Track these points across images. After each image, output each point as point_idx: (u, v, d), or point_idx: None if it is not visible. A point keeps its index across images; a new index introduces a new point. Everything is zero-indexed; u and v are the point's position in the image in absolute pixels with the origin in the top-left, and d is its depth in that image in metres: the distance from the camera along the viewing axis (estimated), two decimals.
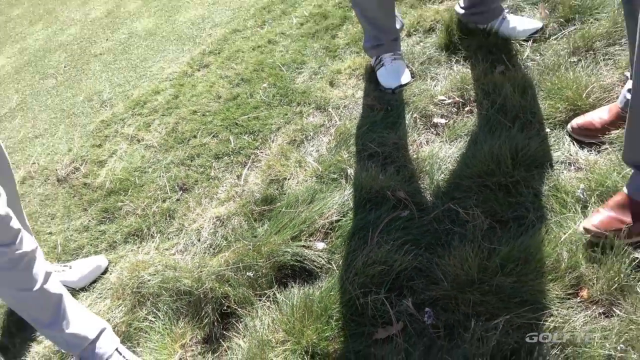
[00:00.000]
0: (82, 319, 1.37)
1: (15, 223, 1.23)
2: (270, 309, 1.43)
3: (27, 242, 1.27)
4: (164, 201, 1.92)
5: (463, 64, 1.96)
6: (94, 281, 1.73)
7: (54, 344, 1.50)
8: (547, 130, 1.62)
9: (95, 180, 2.15)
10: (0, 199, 1.21)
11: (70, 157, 2.33)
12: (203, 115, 2.26)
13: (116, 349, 1.39)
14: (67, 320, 1.33)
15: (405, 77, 1.97)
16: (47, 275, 1.30)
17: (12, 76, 3.21)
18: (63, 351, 1.49)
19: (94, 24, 3.54)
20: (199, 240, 1.71)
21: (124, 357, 1.39)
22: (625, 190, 1.30)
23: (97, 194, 2.07)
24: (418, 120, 1.83)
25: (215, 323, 1.46)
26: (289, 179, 1.79)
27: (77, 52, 3.26)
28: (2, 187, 1.27)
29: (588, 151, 1.53)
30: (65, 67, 3.15)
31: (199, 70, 2.60)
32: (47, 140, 2.51)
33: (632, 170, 1.30)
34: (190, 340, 1.45)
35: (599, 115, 1.54)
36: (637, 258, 1.24)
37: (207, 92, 2.39)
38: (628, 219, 1.25)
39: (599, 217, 1.28)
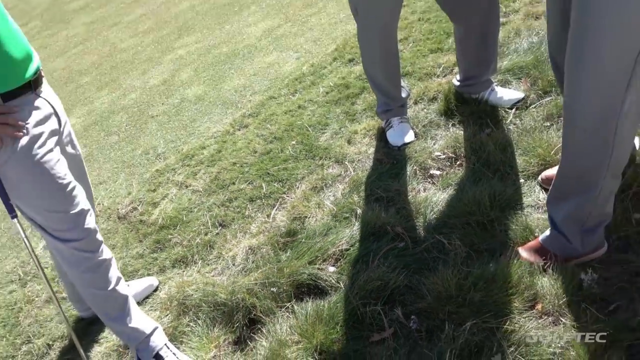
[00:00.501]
0: (141, 317, 1.75)
1: (99, 236, 1.64)
2: (289, 317, 1.77)
3: (106, 252, 1.67)
4: (205, 234, 2.32)
5: (457, 127, 2.34)
6: (147, 297, 2.11)
7: (117, 338, 1.86)
8: (522, 180, 1.97)
9: (149, 217, 2.57)
10: (91, 217, 1.63)
11: (129, 199, 2.78)
12: (241, 166, 2.70)
13: (165, 344, 1.75)
14: (130, 316, 1.70)
15: (409, 137, 2.36)
16: (118, 279, 1.69)
17: (81, 133, 3.77)
18: (122, 342, 1.85)
19: (151, 91, 4.11)
20: (233, 264, 2.09)
21: (171, 351, 1.74)
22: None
23: (150, 228, 2.49)
24: (418, 171, 2.20)
25: (244, 328, 1.80)
26: (309, 217, 2.17)
27: (136, 114, 3.81)
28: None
29: None
30: (126, 126, 3.69)
31: (239, 130, 3.06)
32: (110, 186, 2.98)
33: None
34: (223, 342, 1.79)
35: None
36: (582, 279, 1.54)
37: (245, 147, 2.83)
38: (535, 258, 1.62)
39: (522, 252, 1.64)
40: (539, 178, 1.93)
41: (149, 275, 2.22)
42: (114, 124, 3.78)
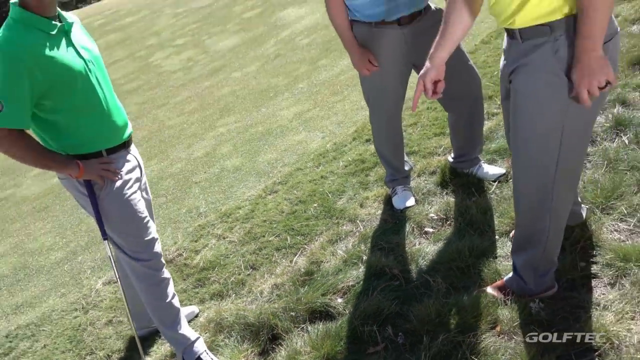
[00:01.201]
0: (187, 327, 2.22)
1: (162, 259, 2.17)
2: (303, 335, 2.21)
3: (166, 273, 2.18)
4: (239, 275, 2.82)
5: (450, 195, 2.85)
6: (189, 321, 2.58)
7: (167, 342, 2.33)
8: (497, 237, 2.44)
9: (192, 261, 3.09)
10: (158, 245, 2.16)
11: (175, 247, 3.31)
12: (270, 223, 3.23)
13: (205, 351, 2.21)
14: (180, 325, 2.18)
15: (410, 202, 2.87)
16: (174, 295, 2.19)
17: None
18: (171, 347, 2.31)
19: (195, 162, 4.76)
20: (261, 296, 2.56)
21: (209, 356, 2.20)
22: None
23: (193, 270, 3.00)
24: (415, 229, 2.69)
25: (267, 342, 2.25)
26: (324, 262, 2.65)
27: (182, 180, 4.44)
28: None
29: None
30: (172, 189, 4.30)
31: (270, 194, 3.62)
32: (159, 237, 3.53)
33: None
34: (250, 354, 2.24)
35: None
36: (531, 307, 1.98)
37: (274, 208, 3.38)
38: (499, 294, 2.08)
39: (490, 289, 2.09)
40: (511, 234, 2.40)
41: (190, 304, 2.70)
42: (162, 188, 4.40)
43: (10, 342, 2.92)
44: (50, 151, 1.98)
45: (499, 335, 1.94)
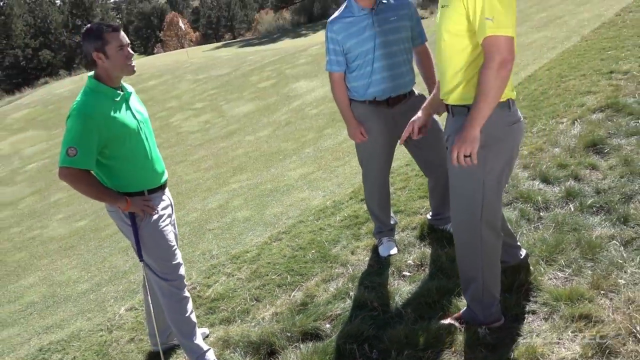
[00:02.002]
0: (201, 339, 2.71)
1: (185, 280, 2.69)
2: (296, 351, 2.69)
3: (187, 292, 2.70)
4: (244, 305, 3.31)
5: (426, 246, 3.38)
6: None
7: (183, 350, 2.80)
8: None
9: (204, 294, 3.59)
10: (182, 268, 2.69)
11: (190, 282, 3.82)
12: (274, 265, 3.74)
13: (215, 359, 2.68)
14: (196, 336, 2.67)
15: (393, 251, 3.40)
16: (192, 310, 2.70)
17: None
18: (186, 355, 2.78)
19: (209, 212, 5.33)
20: (263, 321, 3.05)
21: None
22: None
23: (205, 300, 3.49)
24: (395, 272, 3.21)
25: (266, 357, 2.72)
26: (317, 296, 3.15)
27: (197, 227, 4.99)
28: None
29: None
30: (188, 235, 4.85)
31: (274, 242, 4.16)
32: None
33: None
34: None
35: None
36: (479, 333, 2.47)
37: (278, 253, 3.91)
38: (456, 323, 2.56)
39: (450, 320, 2.59)
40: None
41: (203, 327, 3.18)
42: (179, 233, 4.94)
43: (43, 354, 3.38)
44: (106, 187, 2.57)
45: (453, 354, 2.42)
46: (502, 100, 2.19)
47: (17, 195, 8.70)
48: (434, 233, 3.49)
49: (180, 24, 43.64)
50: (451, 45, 2.23)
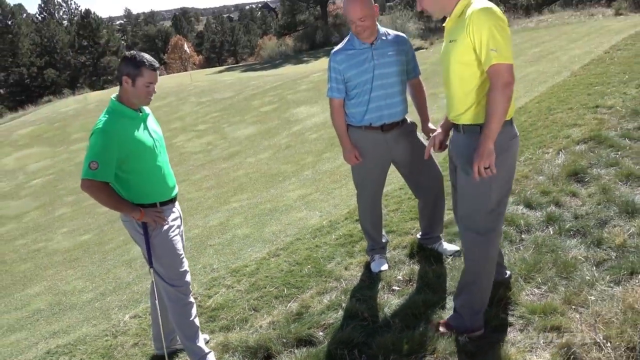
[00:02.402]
0: (203, 342, 2.91)
1: (191, 287, 2.91)
2: (291, 356, 2.90)
3: (192, 298, 2.92)
4: (243, 314, 3.52)
5: (415, 264, 3.61)
6: None
7: (186, 352, 2.99)
8: (445, 294, 3.17)
9: (205, 304, 3.79)
10: (188, 275, 2.91)
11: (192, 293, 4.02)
12: (271, 278, 3.96)
13: None
14: (198, 338, 2.88)
15: (384, 267, 3.63)
16: (195, 314, 2.91)
17: None
18: (189, 357, 2.97)
19: (211, 229, 5.56)
20: (260, 329, 3.26)
21: None
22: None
23: (206, 309, 3.70)
24: (385, 287, 3.43)
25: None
26: (312, 307, 3.37)
27: (198, 243, 5.21)
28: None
29: None
30: (190, 250, 5.06)
31: (272, 257, 4.38)
32: None
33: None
34: None
35: None
36: (459, 341, 2.69)
37: (276, 267, 4.13)
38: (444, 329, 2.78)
39: (441, 327, 2.80)
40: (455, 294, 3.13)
41: (204, 333, 3.38)
42: None
43: (51, 356, 3.57)
44: (122, 199, 2.81)
45: (435, 358, 2.64)
46: (505, 118, 2.53)
47: (22, 209, 8.92)
48: (422, 252, 3.73)
49: (185, 47, 44.38)
50: (461, 73, 2.57)
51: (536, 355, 2.51)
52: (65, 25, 60.72)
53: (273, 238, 4.84)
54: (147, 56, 2.79)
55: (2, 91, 52.01)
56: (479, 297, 2.74)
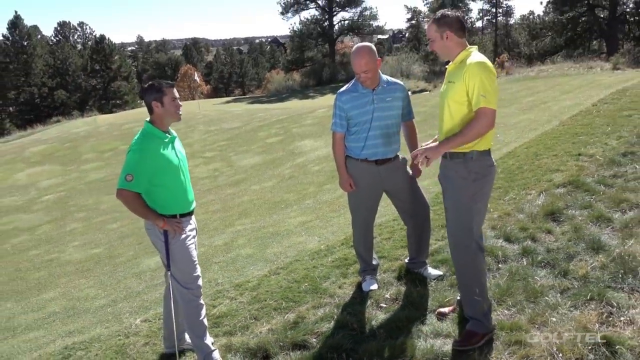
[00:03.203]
0: (210, 340, 3.30)
1: (201, 290, 3.31)
2: (287, 357, 3.28)
3: (202, 299, 3.32)
4: (244, 322, 3.90)
5: (402, 285, 4.01)
6: None
7: (193, 349, 3.37)
8: (426, 312, 3.57)
9: (210, 312, 4.17)
10: (200, 279, 3.32)
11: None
12: (271, 293, 4.35)
13: (219, 358, 3.26)
14: (206, 336, 3.26)
15: (374, 287, 4.03)
16: (205, 315, 3.30)
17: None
18: (197, 356, 3.35)
19: (216, 248, 5.96)
20: (260, 334, 3.64)
21: None
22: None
23: (210, 317, 4.07)
24: (374, 304, 3.82)
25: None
26: (307, 318, 3.76)
27: (204, 260, 5.59)
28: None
29: (443, 321, 3.45)
30: None
31: (273, 275, 4.77)
32: None
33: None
34: None
35: (448, 308, 3.51)
36: (433, 346, 3.08)
37: (276, 284, 4.52)
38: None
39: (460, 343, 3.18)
40: (436, 312, 3.53)
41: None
42: None
43: (68, 352, 3.93)
44: (149, 208, 3.25)
45: None
46: (485, 149, 3.10)
47: (34, 222, 9.32)
48: (409, 275, 4.13)
49: (195, 76, 45.55)
50: (453, 109, 3.10)
51: None
52: (79, 48, 62.31)
53: (274, 258, 5.24)
54: (162, 80, 3.32)
55: (11, 109, 52.99)
56: (481, 299, 3.13)
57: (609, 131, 7.10)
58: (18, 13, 53.26)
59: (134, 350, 3.77)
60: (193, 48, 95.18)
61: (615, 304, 3.23)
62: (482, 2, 57.58)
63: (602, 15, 42.16)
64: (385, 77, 3.85)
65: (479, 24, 61.73)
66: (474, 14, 59.66)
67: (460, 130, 3.04)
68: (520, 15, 56.22)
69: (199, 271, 3.36)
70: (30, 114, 51.22)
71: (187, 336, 3.59)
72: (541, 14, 46.80)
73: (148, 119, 3.35)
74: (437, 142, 3.17)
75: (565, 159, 6.33)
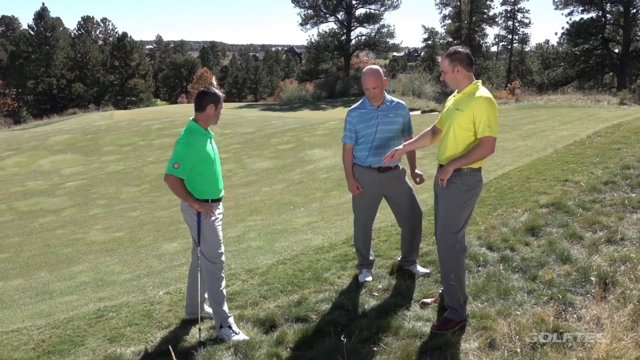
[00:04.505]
0: (227, 307, 3.91)
1: (224, 264, 3.93)
2: (291, 326, 3.88)
3: (224, 272, 3.94)
4: (254, 299, 4.50)
5: (393, 279, 4.61)
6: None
7: (211, 317, 3.98)
8: (412, 301, 4.17)
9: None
10: (224, 255, 3.94)
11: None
12: (278, 278, 4.95)
13: (234, 323, 3.87)
14: (224, 304, 3.88)
15: (369, 278, 4.63)
16: (224, 286, 3.92)
17: (184, 252, 6.14)
18: (215, 320, 3.96)
19: (228, 239, 6.56)
20: (268, 309, 4.25)
21: (237, 328, 3.86)
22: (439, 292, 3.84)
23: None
24: (367, 292, 4.42)
25: (269, 328, 3.92)
26: (309, 299, 4.35)
27: None
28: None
29: (425, 309, 4.04)
30: None
31: (280, 264, 5.37)
32: None
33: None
34: (258, 332, 3.90)
35: (431, 299, 4.11)
36: (415, 327, 3.68)
37: (282, 272, 5.12)
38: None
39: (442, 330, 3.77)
40: (420, 302, 4.13)
41: None
42: None
43: (101, 312, 4.55)
44: (189, 192, 3.88)
45: (395, 337, 3.62)
46: (477, 167, 3.74)
47: (59, 205, 9.97)
48: (400, 271, 4.74)
49: (213, 80, 46.49)
50: (458, 133, 3.69)
51: (468, 343, 3.50)
52: (99, 44, 63.58)
53: (281, 251, 5.86)
54: (220, 91, 3.97)
55: (30, 98, 54.11)
56: (458, 292, 3.73)
57: (597, 162, 7.69)
58: (45, 5, 54.62)
59: (158, 314, 4.39)
60: (210, 51, 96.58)
61: (570, 303, 3.83)
62: (499, 28, 58.32)
63: (616, 51, 42.86)
64: (389, 97, 4.49)
65: (494, 48, 62.62)
66: (489, 39, 60.46)
67: (465, 153, 3.65)
68: (536, 44, 56.89)
69: (223, 249, 3.98)
70: (46, 104, 52.31)
71: (205, 306, 4.21)
72: (555, 44, 47.50)
73: (192, 117, 3.99)
74: (408, 145, 4.00)
75: (552, 183, 6.93)
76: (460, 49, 3.76)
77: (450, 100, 3.87)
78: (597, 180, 6.75)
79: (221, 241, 3.98)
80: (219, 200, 4.05)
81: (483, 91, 3.67)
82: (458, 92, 3.80)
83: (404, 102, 4.59)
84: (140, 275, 5.55)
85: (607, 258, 4.47)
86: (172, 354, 2.95)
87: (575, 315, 3.69)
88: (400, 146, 4.05)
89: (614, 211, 5.62)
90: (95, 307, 4.69)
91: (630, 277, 4.05)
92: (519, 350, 3.29)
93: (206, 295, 4.11)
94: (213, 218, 3.94)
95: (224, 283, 3.98)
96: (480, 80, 3.79)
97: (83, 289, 5.33)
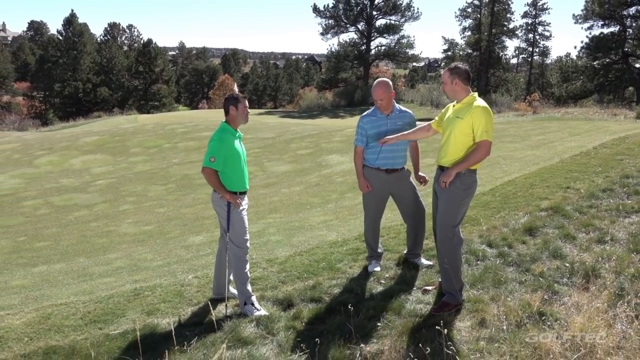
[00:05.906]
0: (250, 287, 4.45)
1: (249, 250, 4.46)
2: (307, 305, 4.39)
3: (248, 257, 4.47)
4: (274, 284, 5.03)
5: (399, 269, 5.10)
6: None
7: (235, 297, 4.52)
8: (414, 288, 4.65)
9: None
10: (249, 240, 4.48)
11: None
12: (295, 267, 5.46)
13: (256, 301, 4.40)
14: (248, 284, 4.41)
15: (377, 269, 5.13)
16: (249, 268, 4.45)
17: (208, 244, 6.69)
18: (239, 298, 4.49)
19: (250, 234, 7.11)
20: (286, 292, 4.76)
21: (259, 305, 4.39)
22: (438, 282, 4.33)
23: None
24: (375, 280, 4.92)
25: (287, 307, 4.43)
26: (322, 284, 4.86)
27: None
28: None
29: (426, 295, 4.53)
30: None
31: (297, 256, 5.89)
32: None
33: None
34: (277, 309, 4.41)
35: (432, 287, 4.59)
36: (416, 308, 4.16)
37: (299, 262, 5.64)
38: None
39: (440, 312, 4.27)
40: (422, 289, 4.61)
41: None
42: None
43: (138, 291, 5.11)
44: (222, 183, 4.43)
45: (398, 316, 4.11)
46: (474, 168, 4.24)
47: (91, 201, 10.64)
48: (406, 263, 5.23)
49: (235, 88, 47.41)
50: (458, 139, 4.17)
51: (462, 323, 3.98)
52: (125, 49, 65.16)
53: (298, 244, 6.38)
54: (239, 94, 4.54)
55: (56, 100, 55.70)
56: (455, 279, 4.21)
57: (599, 171, 8.09)
58: (74, 11, 56.28)
59: (189, 294, 4.94)
60: (232, 58, 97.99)
61: (556, 292, 4.29)
62: (520, 40, 58.40)
63: (637, 65, 42.71)
64: (398, 106, 5.01)
65: (514, 61, 62.66)
66: (509, 51, 60.47)
67: (465, 157, 4.15)
68: (557, 56, 56.84)
69: (248, 236, 4.52)
70: (72, 107, 53.77)
71: (231, 288, 4.74)
72: (575, 57, 47.49)
73: (224, 119, 4.55)
74: (400, 136, 4.62)
75: (555, 190, 7.35)
76: (460, 65, 4.27)
77: (450, 109, 4.37)
78: (597, 188, 7.16)
79: (247, 228, 4.52)
80: (244, 193, 4.59)
81: (480, 101, 4.17)
82: (457, 102, 4.30)
83: (410, 111, 5.10)
84: (170, 262, 6.12)
85: (594, 255, 4.91)
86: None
87: (559, 302, 4.15)
88: (393, 136, 4.66)
89: (608, 215, 6.04)
90: (132, 287, 5.26)
91: (612, 272, 4.49)
92: (505, 327, 3.75)
93: (231, 277, 4.64)
94: (240, 208, 4.48)
95: (248, 266, 4.51)
96: (476, 92, 4.29)
97: (119, 272, 5.91)
